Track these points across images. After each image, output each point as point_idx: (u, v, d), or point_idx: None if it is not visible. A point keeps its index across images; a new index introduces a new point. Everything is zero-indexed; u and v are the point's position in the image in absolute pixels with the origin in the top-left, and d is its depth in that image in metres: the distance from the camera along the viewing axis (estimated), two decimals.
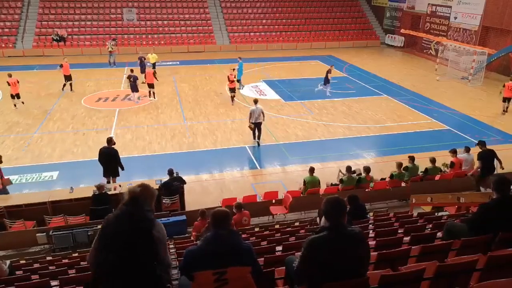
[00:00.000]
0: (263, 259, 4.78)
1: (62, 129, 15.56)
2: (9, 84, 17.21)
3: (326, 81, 20.17)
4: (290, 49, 32.12)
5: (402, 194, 10.65)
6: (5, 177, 10.44)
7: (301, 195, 10.29)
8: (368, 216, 7.59)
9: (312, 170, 10.51)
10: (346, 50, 32.11)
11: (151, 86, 19.00)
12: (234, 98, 18.78)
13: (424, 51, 30.97)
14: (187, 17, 32.80)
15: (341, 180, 10.49)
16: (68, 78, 19.63)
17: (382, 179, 11.01)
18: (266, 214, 9.96)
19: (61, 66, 19.53)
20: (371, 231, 6.12)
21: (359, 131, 15.91)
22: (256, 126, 14.33)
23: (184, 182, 10.26)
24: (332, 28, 34.71)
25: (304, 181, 10.42)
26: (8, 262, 6.22)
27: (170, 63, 26.77)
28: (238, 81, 20.55)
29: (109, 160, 10.70)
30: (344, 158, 13.24)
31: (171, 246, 7.29)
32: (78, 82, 20.06)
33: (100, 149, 10.85)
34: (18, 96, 17.48)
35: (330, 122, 16.78)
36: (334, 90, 20.59)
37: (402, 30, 31.26)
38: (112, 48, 25.46)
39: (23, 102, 17.68)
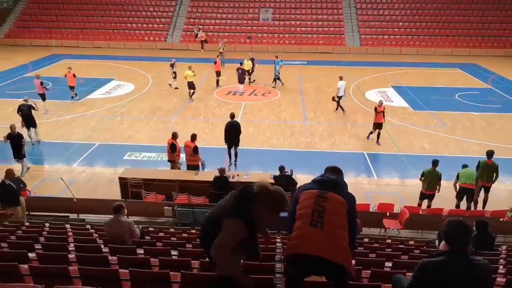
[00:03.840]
0: (370, 271, 4.60)
1: (195, 117, 17.21)
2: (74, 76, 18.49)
3: None
4: (427, 55, 29.72)
5: None
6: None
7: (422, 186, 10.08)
8: (500, 249, 6.68)
9: (435, 163, 9.88)
10: (494, 59, 28.31)
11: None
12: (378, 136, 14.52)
13: None
14: (319, 17, 32.89)
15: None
16: (218, 73, 21.37)
17: None
18: (378, 226, 9.49)
19: (215, 62, 21.29)
20: (501, 267, 5.39)
21: (499, 151, 13.86)
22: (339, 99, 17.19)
23: (291, 182, 9.86)
24: (479, 34, 30.99)
25: (423, 173, 9.98)
26: (140, 227, 7.18)
27: (297, 62, 27.23)
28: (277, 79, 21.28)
29: (235, 131, 12.55)
30: None
31: (278, 240, 7.46)
32: (214, 76, 21.86)
33: (226, 124, 12.54)
34: (72, 88, 18.61)
35: (464, 137, 15.09)
36: (473, 103, 18.41)
37: None
38: (223, 49, 26.23)
39: (76, 94, 18.88)
